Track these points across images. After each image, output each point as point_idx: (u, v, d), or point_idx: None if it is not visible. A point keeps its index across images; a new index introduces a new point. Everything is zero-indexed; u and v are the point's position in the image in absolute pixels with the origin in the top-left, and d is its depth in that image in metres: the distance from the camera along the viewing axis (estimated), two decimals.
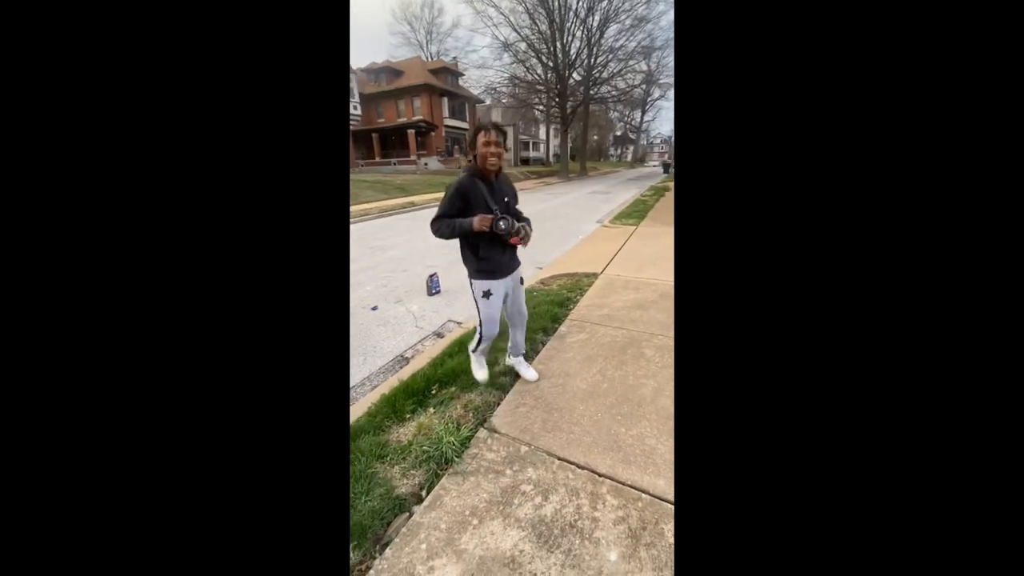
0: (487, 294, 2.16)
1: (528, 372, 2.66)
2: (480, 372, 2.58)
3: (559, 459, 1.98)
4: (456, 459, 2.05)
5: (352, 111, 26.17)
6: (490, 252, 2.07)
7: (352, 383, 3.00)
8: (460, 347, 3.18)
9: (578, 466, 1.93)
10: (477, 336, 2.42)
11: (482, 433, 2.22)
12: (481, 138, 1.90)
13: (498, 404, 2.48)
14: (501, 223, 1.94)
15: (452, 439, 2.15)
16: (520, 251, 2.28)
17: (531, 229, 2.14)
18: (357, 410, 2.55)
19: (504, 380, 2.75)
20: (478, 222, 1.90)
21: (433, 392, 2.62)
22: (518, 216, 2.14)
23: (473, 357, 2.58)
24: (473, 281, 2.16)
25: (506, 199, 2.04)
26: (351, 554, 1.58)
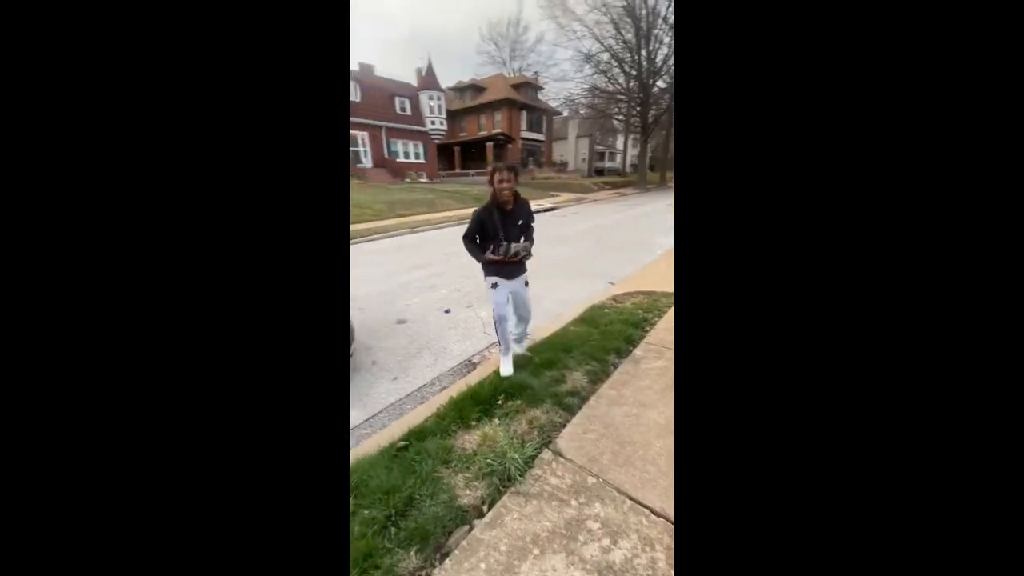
0: (494, 285, 2.76)
1: (506, 365, 2.93)
2: (505, 366, 2.90)
3: (631, 499, 1.83)
4: (519, 478, 1.98)
5: (437, 126, 29.07)
6: (499, 264, 2.70)
7: (422, 382, 3.09)
8: (527, 360, 3.10)
9: (654, 512, 1.75)
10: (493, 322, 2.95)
11: (547, 454, 2.12)
12: (496, 176, 2.48)
13: (564, 425, 2.37)
14: (501, 250, 2.56)
15: (516, 456, 2.08)
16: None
17: (530, 245, 2.69)
18: (426, 410, 2.60)
19: (571, 401, 2.63)
20: (490, 255, 2.59)
21: (499, 402, 2.58)
22: (527, 235, 2.67)
23: (500, 349, 2.98)
24: (486, 276, 2.77)
25: (520, 221, 2.61)
26: (412, 557, 1.58)
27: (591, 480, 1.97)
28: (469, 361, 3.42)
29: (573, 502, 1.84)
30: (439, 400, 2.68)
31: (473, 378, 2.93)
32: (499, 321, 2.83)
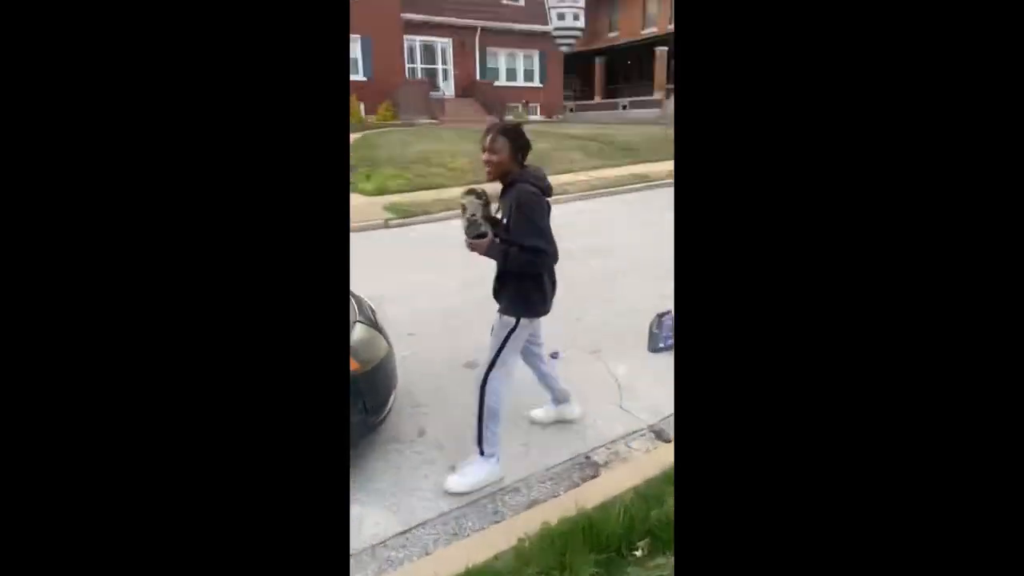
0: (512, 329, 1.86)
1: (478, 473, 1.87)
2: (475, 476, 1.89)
3: None
4: None
5: (567, 23, 16.83)
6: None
7: (498, 484, 1.85)
8: None
9: None
10: None
11: None
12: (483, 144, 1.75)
13: None
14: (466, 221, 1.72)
15: None
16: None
17: (485, 232, 1.69)
18: (500, 538, 1.56)
19: None
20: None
21: (636, 552, 1.43)
22: (508, 226, 1.72)
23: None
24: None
25: (504, 219, 1.76)
26: None
27: None
28: (588, 459, 1.99)
29: None
30: (524, 526, 1.57)
31: (592, 495, 1.70)
32: (489, 410, 1.82)
